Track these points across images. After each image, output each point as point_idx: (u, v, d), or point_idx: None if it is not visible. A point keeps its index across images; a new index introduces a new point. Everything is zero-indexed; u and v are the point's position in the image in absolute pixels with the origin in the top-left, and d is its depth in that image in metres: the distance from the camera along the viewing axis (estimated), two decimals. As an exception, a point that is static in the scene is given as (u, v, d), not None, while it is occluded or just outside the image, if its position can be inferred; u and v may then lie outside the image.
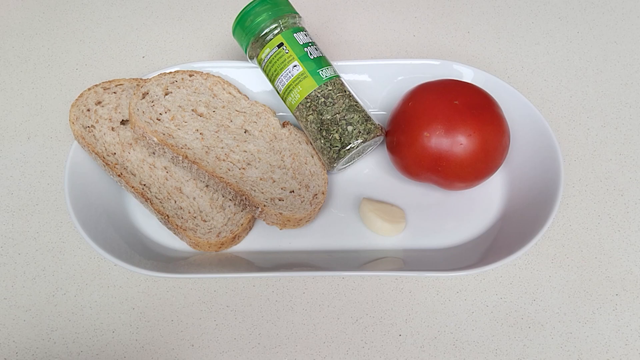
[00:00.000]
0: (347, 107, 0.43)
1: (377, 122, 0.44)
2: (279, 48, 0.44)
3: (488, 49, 0.55)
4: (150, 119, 0.44)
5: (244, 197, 0.42)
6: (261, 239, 0.45)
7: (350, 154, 0.43)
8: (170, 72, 0.47)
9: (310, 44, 0.44)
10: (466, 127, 0.40)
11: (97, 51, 0.56)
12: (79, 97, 0.46)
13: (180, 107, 0.46)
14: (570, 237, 0.45)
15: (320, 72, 0.43)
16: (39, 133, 0.51)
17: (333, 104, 0.43)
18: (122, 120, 0.47)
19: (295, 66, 0.43)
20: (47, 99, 0.53)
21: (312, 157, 0.46)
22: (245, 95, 0.48)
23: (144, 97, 0.45)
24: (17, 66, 0.55)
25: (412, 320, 0.42)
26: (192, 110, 0.46)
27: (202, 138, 0.45)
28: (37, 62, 0.55)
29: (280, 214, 0.41)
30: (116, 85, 0.48)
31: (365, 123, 0.43)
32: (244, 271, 0.41)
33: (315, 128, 0.44)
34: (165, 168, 0.45)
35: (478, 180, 0.43)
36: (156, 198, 0.43)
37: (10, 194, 0.48)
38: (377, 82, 0.49)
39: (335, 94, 0.43)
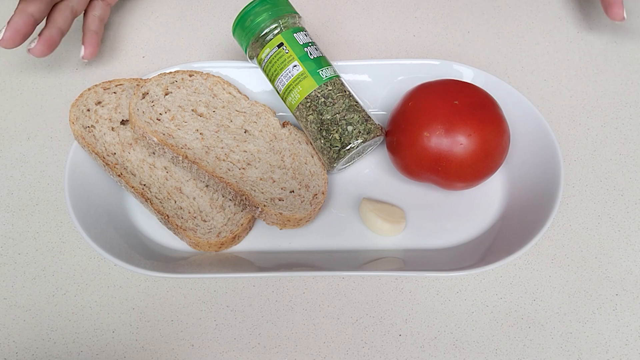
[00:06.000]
0: (347, 107, 0.43)
1: (377, 122, 0.44)
2: (279, 48, 0.44)
3: (488, 49, 0.55)
4: (150, 119, 0.44)
5: (244, 197, 0.42)
6: (261, 239, 0.45)
7: (350, 154, 0.43)
8: (170, 72, 0.47)
9: (310, 44, 0.44)
10: (466, 127, 0.40)
11: (97, 51, 0.56)
12: (79, 97, 0.46)
13: (180, 107, 0.46)
14: (570, 237, 0.45)
15: (320, 72, 0.43)
16: (39, 133, 0.51)
17: (333, 104, 0.43)
18: (122, 120, 0.47)
19: (295, 66, 0.43)
20: (47, 99, 0.53)
21: (312, 157, 0.46)
22: (245, 95, 0.48)
23: (144, 97, 0.45)
24: (17, 66, 0.55)
25: (412, 320, 0.42)
26: (192, 110, 0.46)
27: (202, 138, 0.45)
28: (37, 62, 0.55)
29: (280, 214, 0.41)
30: (116, 85, 0.48)
31: (365, 123, 0.43)
32: (244, 271, 0.41)
33: (315, 128, 0.44)
34: (165, 168, 0.45)
35: (478, 180, 0.43)
36: (156, 198, 0.43)
37: (10, 194, 0.48)
38: (377, 82, 0.49)
39: (335, 94, 0.43)
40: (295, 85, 0.44)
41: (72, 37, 0.56)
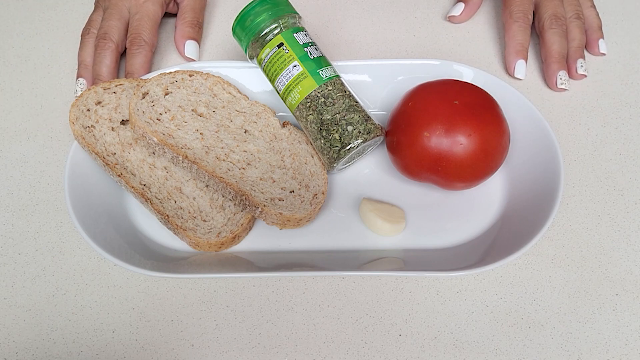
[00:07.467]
0: (347, 107, 0.43)
1: (377, 122, 0.44)
2: (279, 48, 0.44)
3: (488, 49, 0.55)
4: (150, 119, 0.44)
5: (244, 197, 0.42)
6: (261, 239, 0.45)
7: (350, 154, 0.43)
8: (170, 72, 0.47)
9: (310, 44, 0.44)
10: (466, 127, 0.40)
11: (97, 51, 0.56)
12: (79, 97, 0.46)
13: (180, 107, 0.46)
14: (570, 237, 0.45)
15: (320, 72, 0.43)
16: (39, 133, 0.51)
17: (333, 104, 0.43)
18: (122, 120, 0.47)
19: (295, 66, 0.43)
20: (47, 99, 0.53)
21: (312, 157, 0.46)
22: (245, 95, 0.48)
23: (144, 97, 0.45)
24: (17, 66, 0.55)
25: (412, 320, 0.42)
26: (192, 110, 0.46)
27: (202, 138, 0.45)
28: (37, 62, 0.55)
29: (280, 214, 0.41)
30: (116, 85, 0.48)
31: (365, 123, 0.43)
32: (244, 271, 0.41)
33: (315, 128, 0.44)
34: (165, 168, 0.45)
35: (478, 180, 0.43)
36: (156, 198, 0.43)
37: (10, 194, 0.48)
38: (377, 82, 0.49)
39: (335, 94, 0.43)
40: (295, 85, 0.44)
41: (72, 36, 0.56)
